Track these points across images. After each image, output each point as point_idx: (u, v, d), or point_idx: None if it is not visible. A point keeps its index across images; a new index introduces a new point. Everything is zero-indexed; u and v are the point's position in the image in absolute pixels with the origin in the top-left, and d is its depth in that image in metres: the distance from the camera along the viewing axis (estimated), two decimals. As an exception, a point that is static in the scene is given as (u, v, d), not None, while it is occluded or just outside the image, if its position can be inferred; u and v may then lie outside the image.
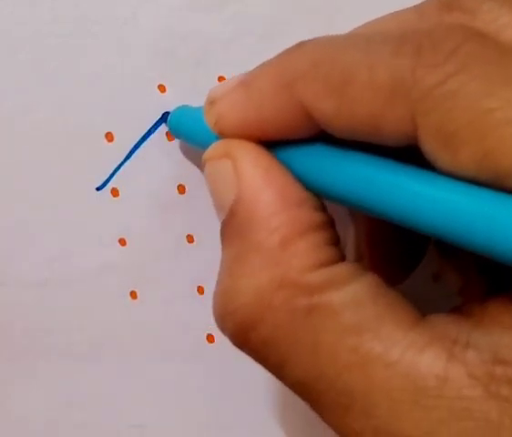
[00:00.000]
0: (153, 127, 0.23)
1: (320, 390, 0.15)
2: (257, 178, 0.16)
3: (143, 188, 0.24)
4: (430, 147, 0.14)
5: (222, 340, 0.26)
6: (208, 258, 0.25)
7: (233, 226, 0.16)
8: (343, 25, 0.23)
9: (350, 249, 0.21)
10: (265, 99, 0.16)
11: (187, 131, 0.22)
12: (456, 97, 0.13)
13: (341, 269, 0.15)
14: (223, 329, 0.17)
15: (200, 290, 0.25)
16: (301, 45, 0.16)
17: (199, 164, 0.24)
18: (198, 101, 0.23)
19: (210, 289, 0.26)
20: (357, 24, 0.23)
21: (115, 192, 0.24)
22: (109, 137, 0.24)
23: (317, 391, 0.15)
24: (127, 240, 0.25)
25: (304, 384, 0.15)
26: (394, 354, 0.14)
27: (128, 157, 0.24)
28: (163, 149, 0.24)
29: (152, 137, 0.24)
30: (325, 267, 0.15)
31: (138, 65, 0.23)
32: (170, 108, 0.23)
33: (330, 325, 0.15)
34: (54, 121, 0.24)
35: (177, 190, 0.24)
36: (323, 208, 0.16)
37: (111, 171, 0.24)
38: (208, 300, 0.26)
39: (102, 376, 0.27)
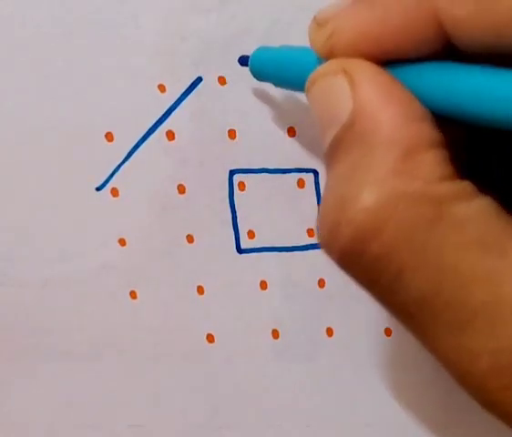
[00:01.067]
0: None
1: (438, 305, 0.14)
2: (377, 93, 0.15)
3: (143, 188, 0.24)
4: None
5: (222, 340, 0.26)
6: (208, 258, 0.25)
7: (350, 139, 0.15)
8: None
9: None
10: (393, 8, 0.15)
11: (274, 71, 0.21)
12: None
13: (464, 185, 0.15)
14: (333, 241, 0.15)
15: (200, 290, 0.25)
16: None
17: (199, 164, 0.24)
18: (198, 101, 0.23)
19: (210, 289, 0.26)
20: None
21: (115, 192, 0.24)
22: (109, 137, 0.24)
23: (434, 307, 0.14)
24: (127, 240, 0.25)
25: (421, 300, 0.14)
26: None
27: (127, 157, 0.24)
28: (163, 149, 0.24)
29: (152, 136, 0.24)
30: (450, 180, 0.15)
31: (138, 65, 0.23)
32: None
33: (455, 236, 0.14)
34: (54, 121, 0.24)
35: (177, 190, 0.24)
36: (439, 127, 0.16)
37: (111, 171, 0.24)
38: (208, 300, 0.26)
39: (102, 376, 0.27)
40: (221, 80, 0.23)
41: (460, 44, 0.15)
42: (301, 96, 0.24)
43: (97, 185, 0.24)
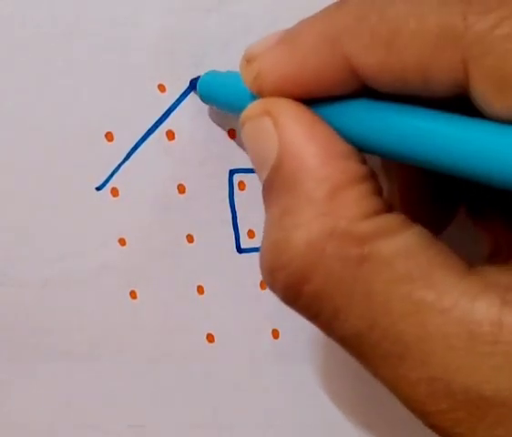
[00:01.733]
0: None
1: (373, 340, 0.15)
2: (300, 133, 0.16)
3: (143, 188, 0.24)
4: (482, 91, 0.13)
5: (222, 340, 0.26)
6: (208, 258, 0.25)
7: (278, 180, 0.16)
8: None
9: None
10: (309, 54, 0.16)
11: (218, 96, 0.21)
12: None
13: (390, 219, 0.15)
14: (273, 284, 0.16)
15: (200, 290, 0.25)
16: (344, 0, 0.16)
17: (199, 164, 0.24)
18: (198, 101, 0.23)
19: (210, 289, 0.26)
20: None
21: (115, 192, 0.24)
22: (109, 137, 0.24)
23: (370, 342, 0.15)
24: (127, 240, 0.25)
25: (357, 335, 0.15)
26: (448, 301, 0.14)
27: (127, 157, 0.24)
28: (163, 149, 0.24)
29: (152, 136, 0.24)
30: (374, 216, 0.15)
31: (138, 65, 0.23)
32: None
33: (382, 274, 0.14)
34: (54, 121, 0.24)
35: (177, 190, 0.24)
36: (365, 161, 0.16)
37: (111, 171, 0.24)
38: (208, 300, 0.26)
39: (102, 376, 0.27)
40: (221, 80, 0.23)
41: (373, 86, 0.15)
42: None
43: (97, 185, 0.24)
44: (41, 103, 0.24)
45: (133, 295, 0.26)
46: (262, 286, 0.25)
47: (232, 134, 0.24)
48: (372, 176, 0.16)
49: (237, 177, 0.24)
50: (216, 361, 0.26)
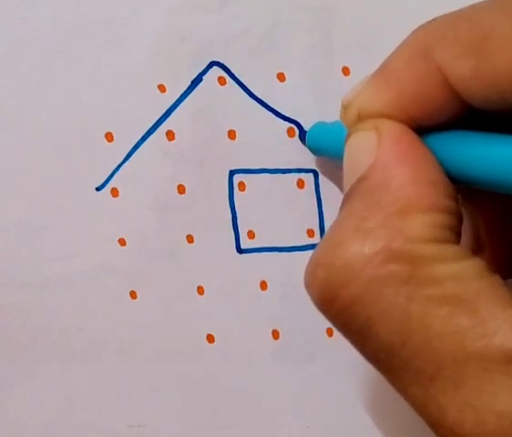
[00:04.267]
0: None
1: (405, 356, 0.14)
2: (396, 151, 0.16)
3: (143, 188, 0.24)
4: None
5: (222, 340, 0.26)
6: (208, 258, 0.25)
7: (359, 189, 0.16)
8: (343, 25, 0.23)
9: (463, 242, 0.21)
10: (403, 75, 0.16)
11: (327, 146, 0.22)
12: None
13: (451, 249, 0.15)
14: (312, 281, 0.16)
15: (200, 290, 0.25)
16: (431, 20, 0.16)
17: (199, 164, 0.24)
18: (198, 101, 0.23)
19: (210, 289, 0.26)
20: (357, 24, 0.23)
21: (115, 192, 0.24)
22: (109, 137, 0.24)
23: (402, 357, 0.15)
24: (126, 240, 0.25)
25: (389, 348, 0.15)
26: (490, 327, 0.14)
27: (127, 158, 0.24)
28: (163, 149, 0.24)
29: (152, 137, 0.24)
30: (436, 243, 0.15)
31: (138, 65, 0.23)
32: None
33: (428, 291, 0.14)
34: (54, 121, 0.24)
35: (177, 190, 0.24)
36: (455, 198, 0.16)
37: (111, 171, 0.24)
38: (208, 300, 0.26)
39: (102, 376, 0.27)
40: (221, 80, 0.23)
41: (471, 101, 0.15)
42: (300, 97, 0.24)
43: (97, 185, 0.24)
44: (41, 103, 0.24)
45: (133, 295, 0.26)
46: (262, 286, 0.25)
47: (232, 134, 0.24)
48: (454, 212, 0.16)
49: (237, 178, 0.24)
50: (216, 361, 0.26)
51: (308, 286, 0.16)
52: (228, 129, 0.24)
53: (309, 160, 0.24)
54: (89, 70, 0.23)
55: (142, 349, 0.26)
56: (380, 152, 0.16)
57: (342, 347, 0.26)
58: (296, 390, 0.26)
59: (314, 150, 0.23)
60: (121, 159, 0.24)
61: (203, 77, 0.23)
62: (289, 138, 0.24)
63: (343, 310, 0.15)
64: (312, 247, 0.25)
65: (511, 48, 0.14)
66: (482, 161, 0.15)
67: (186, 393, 0.27)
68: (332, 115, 0.23)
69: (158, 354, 0.26)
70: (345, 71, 0.23)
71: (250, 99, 0.23)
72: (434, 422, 0.15)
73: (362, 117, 0.17)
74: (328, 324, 0.24)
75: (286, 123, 0.24)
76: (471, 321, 0.14)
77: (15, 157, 0.24)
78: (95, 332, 0.26)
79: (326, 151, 0.22)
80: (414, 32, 0.16)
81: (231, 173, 0.24)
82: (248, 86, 0.23)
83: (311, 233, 0.25)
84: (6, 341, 0.26)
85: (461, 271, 0.15)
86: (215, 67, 0.23)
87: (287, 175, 0.24)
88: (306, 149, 0.24)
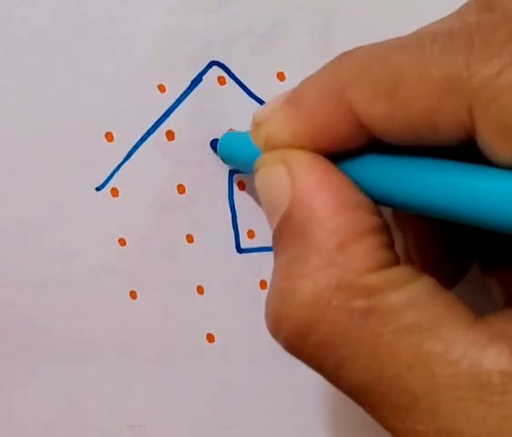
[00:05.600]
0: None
1: (380, 392, 0.15)
2: (313, 181, 0.16)
3: (143, 188, 0.24)
4: (489, 140, 0.13)
5: (222, 340, 0.26)
6: (208, 258, 0.25)
7: (288, 229, 0.16)
8: (343, 25, 0.23)
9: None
10: (315, 110, 0.16)
11: (237, 156, 0.22)
12: None
13: (398, 272, 0.15)
14: (277, 332, 0.16)
15: (200, 290, 0.25)
16: (346, 53, 0.16)
17: (199, 164, 0.24)
18: (198, 101, 0.23)
19: (210, 289, 0.26)
20: (357, 24, 0.23)
21: (115, 192, 0.24)
22: (109, 137, 0.24)
23: (377, 393, 0.15)
24: (127, 240, 0.25)
25: (363, 386, 0.15)
26: (456, 352, 0.14)
27: (128, 157, 0.24)
28: (163, 149, 0.24)
29: (152, 136, 0.24)
30: (383, 269, 0.15)
31: (138, 65, 0.23)
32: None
33: (389, 325, 0.14)
34: (54, 121, 0.24)
35: (177, 190, 0.24)
36: (379, 213, 0.16)
37: (111, 171, 0.24)
38: (208, 300, 0.26)
39: (102, 376, 0.27)
40: (221, 80, 0.23)
41: (381, 138, 0.15)
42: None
43: (97, 185, 0.24)
44: (41, 103, 0.24)
45: (133, 295, 0.26)
46: (262, 286, 0.25)
47: (232, 134, 0.24)
48: (383, 227, 0.16)
49: (237, 178, 0.24)
50: (216, 361, 0.26)
51: (275, 336, 0.16)
52: (228, 129, 0.24)
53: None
54: (89, 70, 0.23)
55: (142, 349, 0.26)
56: (295, 186, 0.16)
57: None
58: (296, 389, 0.26)
59: (226, 160, 0.23)
60: (121, 159, 0.24)
61: (203, 77, 0.23)
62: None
63: (315, 355, 0.16)
64: (312, 247, 0.25)
65: (421, 94, 0.14)
66: (395, 184, 0.15)
67: (186, 393, 0.27)
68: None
69: (158, 354, 0.26)
70: (345, 71, 0.23)
71: (250, 99, 0.23)
72: None
73: (268, 145, 0.17)
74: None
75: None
76: (437, 349, 0.14)
77: (15, 157, 0.24)
78: (95, 332, 0.26)
79: (237, 162, 0.22)
80: (331, 64, 0.16)
81: (231, 173, 0.24)
82: (248, 86, 0.23)
83: (311, 233, 0.25)
84: (6, 341, 0.26)
85: (414, 296, 0.15)
86: (215, 67, 0.23)
87: (287, 175, 0.24)
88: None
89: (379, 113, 0.15)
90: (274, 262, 0.17)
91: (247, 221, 0.25)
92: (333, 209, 0.15)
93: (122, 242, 0.25)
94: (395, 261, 0.15)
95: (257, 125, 0.18)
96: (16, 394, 0.27)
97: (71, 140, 0.24)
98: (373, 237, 0.15)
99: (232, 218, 0.25)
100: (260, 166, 0.18)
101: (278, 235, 0.17)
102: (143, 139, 0.24)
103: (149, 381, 0.27)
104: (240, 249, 0.25)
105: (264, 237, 0.25)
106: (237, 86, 0.23)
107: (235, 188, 0.24)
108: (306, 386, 0.26)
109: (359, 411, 0.27)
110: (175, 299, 0.26)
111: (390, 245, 0.16)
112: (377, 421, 0.15)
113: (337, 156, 0.16)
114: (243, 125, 0.24)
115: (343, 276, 0.15)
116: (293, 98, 0.17)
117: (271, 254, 0.25)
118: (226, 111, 0.23)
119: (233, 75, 0.23)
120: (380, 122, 0.15)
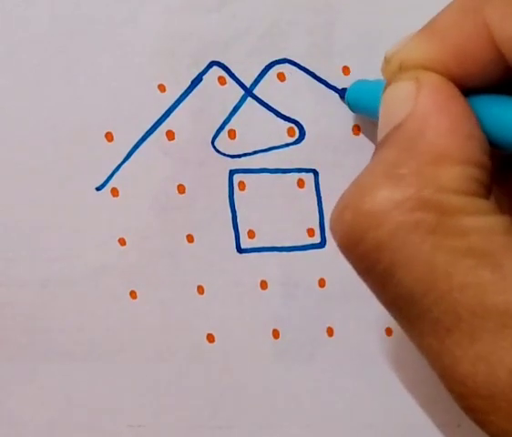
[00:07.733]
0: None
1: (425, 305, 0.14)
2: (436, 101, 0.16)
3: (143, 188, 0.24)
4: None
5: (222, 340, 0.26)
6: (208, 258, 0.25)
7: (394, 136, 0.16)
8: (343, 25, 0.23)
9: None
10: (450, 31, 0.16)
11: (366, 104, 0.22)
12: None
13: (480, 202, 0.15)
14: (338, 222, 0.16)
15: (200, 290, 0.25)
16: None
17: (199, 164, 0.24)
18: (198, 100, 0.23)
19: (210, 289, 0.26)
20: (357, 24, 0.23)
21: (115, 192, 0.24)
22: (109, 137, 0.24)
23: (422, 306, 0.15)
24: (127, 240, 0.25)
25: (409, 297, 0.15)
26: (511, 283, 0.14)
27: (127, 157, 0.24)
28: (163, 149, 0.24)
29: (152, 136, 0.24)
30: (467, 196, 0.15)
31: (138, 65, 0.23)
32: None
33: (454, 242, 0.14)
34: (54, 121, 0.24)
35: (177, 190, 0.24)
36: (488, 154, 0.16)
37: (111, 171, 0.24)
38: (208, 300, 0.26)
39: (102, 376, 0.27)
40: (221, 80, 0.23)
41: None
42: (300, 97, 0.24)
43: (97, 185, 0.24)
44: (41, 103, 0.24)
45: (133, 295, 0.26)
46: (262, 286, 0.25)
47: (232, 134, 0.24)
48: (486, 168, 0.16)
49: (237, 178, 0.24)
50: (216, 361, 0.26)
51: (333, 228, 0.16)
52: (228, 129, 0.24)
53: (309, 160, 0.24)
54: (89, 70, 0.23)
55: (142, 349, 0.26)
56: (419, 101, 0.16)
57: (342, 347, 0.26)
58: (296, 389, 0.26)
59: (353, 107, 0.23)
60: (121, 159, 0.24)
61: (203, 77, 0.23)
62: (289, 138, 0.24)
63: (367, 254, 0.15)
64: (313, 246, 0.25)
65: None
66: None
67: (186, 393, 0.27)
68: (332, 114, 0.24)
69: (158, 354, 0.26)
70: (345, 71, 0.23)
71: (250, 99, 0.23)
72: (446, 374, 0.15)
73: (403, 69, 0.17)
74: (328, 324, 0.24)
75: (286, 123, 0.24)
76: (494, 276, 0.14)
77: (15, 157, 0.24)
78: (95, 332, 0.26)
79: (365, 109, 0.22)
80: None
81: (231, 173, 0.24)
82: (248, 86, 0.23)
83: (311, 233, 0.25)
84: (6, 341, 0.26)
85: (488, 225, 0.15)
86: (215, 67, 0.23)
87: (287, 174, 0.24)
88: (306, 149, 0.24)
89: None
90: (371, 159, 0.17)
91: (247, 221, 0.25)
92: (444, 131, 0.15)
93: (122, 242, 0.25)
94: (483, 197, 0.15)
95: (388, 59, 0.18)
96: (16, 394, 0.27)
97: (71, 140, 0.24)
98: (472, 169, 0.15)
99: (232, 218, 0.25)
100: (392, 81, 0.17)
101: (382, 142, 0.16)
102: (143, 139, 0.24)
103: (149, 381, 0.27)
104: (240, 249, 0.25)
105: (264, 237, 0.25)
106: (237, 86, 0.23)
107: (235, 187, 0.24)
108: (306, 386, 0.26)
109: (359, 412, 0.27)
110: (175, 298, 0.26)
111: (485, 185, 0.16)
112: (411, 337, 0.15)
113: (468, 91, 0.16)
114: (243, 125, 0.24)
115: (424, 187, 0.15)
116: (428, 25, 0.17)
117: (271, 254, 0.25)
118: (226, 111, 0.23)
119: (233, 75, 0.23)
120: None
